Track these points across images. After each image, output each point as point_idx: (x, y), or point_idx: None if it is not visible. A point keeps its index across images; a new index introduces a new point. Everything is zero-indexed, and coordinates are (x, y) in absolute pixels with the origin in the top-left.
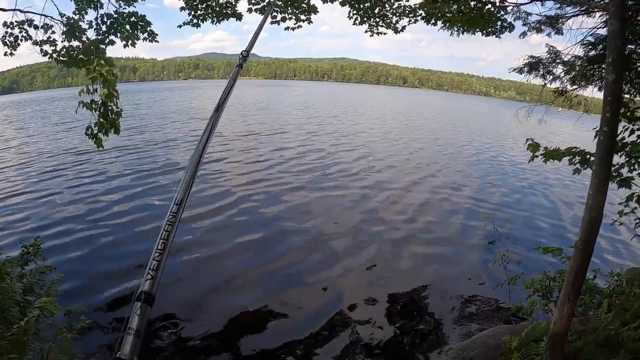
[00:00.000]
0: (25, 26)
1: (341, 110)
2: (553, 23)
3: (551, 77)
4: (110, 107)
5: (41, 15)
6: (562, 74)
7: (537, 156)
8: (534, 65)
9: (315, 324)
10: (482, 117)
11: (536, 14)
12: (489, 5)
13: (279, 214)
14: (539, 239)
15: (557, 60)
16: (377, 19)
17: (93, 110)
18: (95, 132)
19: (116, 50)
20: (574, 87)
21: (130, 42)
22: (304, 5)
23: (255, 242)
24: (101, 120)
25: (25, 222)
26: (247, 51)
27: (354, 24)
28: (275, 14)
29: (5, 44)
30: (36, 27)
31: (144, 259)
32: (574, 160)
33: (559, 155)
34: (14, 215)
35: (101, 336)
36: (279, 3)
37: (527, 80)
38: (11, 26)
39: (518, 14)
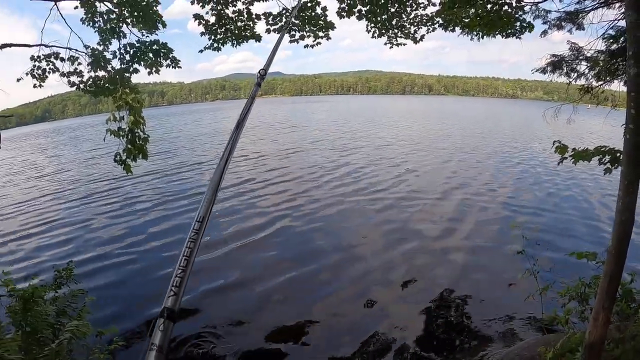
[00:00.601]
0: (52, 59)
1: (370, 123)
2: (573, 18)
3: (575, 74)
4: (137, 134)
5: (66, 48)
6: (587, 71)
7: (565, 158)
8: (556, 64)
9: (354, 338)
10: (510, 120)
11: (555, 11)
12: (506, 7)
13: (313, 231)
14: (574, 243)
15: (580, 57)
16: (396, 30)
17: (120, 138)
18: (123, 158)
19: (144, 76)
20: (600, 83)
21: (154, 69)
22: (321, 22)
23: (291, 259)
24: (129, 146)
25: (58, 248)
26: (265, 70)
27: (373, 37)
28: (293, 32)
29: (34, 76)
30: (62, 60)
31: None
32: (603, 159)
33: (588, 156)
34: (48, 242)
35: (130, 356)
36: (296, 22)
37: (551, 80)
38: (38, 60)
39: (537, 13)
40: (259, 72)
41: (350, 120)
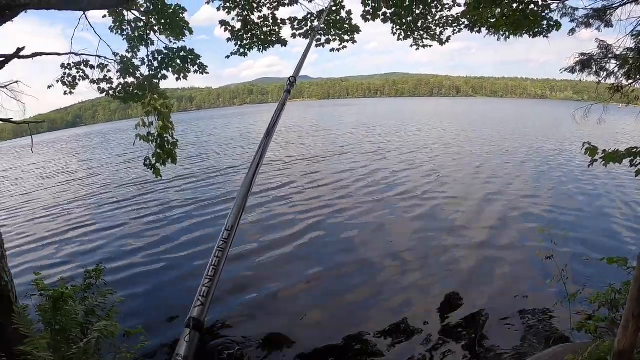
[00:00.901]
0: (82, 67)
1: (400, 127)
2: (601, 15)
3: (605, 73)
4: (166, 138)
5: (95, 56)
6: (616, 69)
7: (596, 160)
8: (585, 63)
9: (385, 343)
10: (540, 121)
11: (582, 8)
12: (532, 6)
13: (348, 240)
14: (605, 248)
15: (609, 55)
16: (421, 32)
17: (150, 142)
18: (153, 162)
19: (172, 81)
20: (630, 81)
21: (181, 75)
22: (347, 26)
23: (325, 270)
24: (158, 151)
25: (87, 254)
26: (294, 77)
27: (399, 39)
28: (319, 36)
29: (64, 84)
30: (92, 67)
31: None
32: (635, 161)
33: (619, 158)
34: (79, 247)
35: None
36: (322, 26)
37: (581, 79)
38: (68, 68)
39: (564, 11)
40: (289, 79)
41: (379, 124)
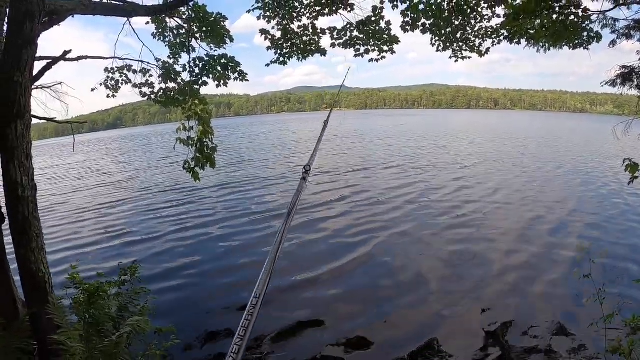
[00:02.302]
0: (125, 71)
1: (446, 140)
2: None
3: None
4: (205, 143)
5: (138, 61)
6: None
7: (637, 177)
8: (626, 76)
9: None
10: (581, 137)
11: (623, 19)
12: (573, 17)
13: (395, 262)
14: None
15: None
16: (460, 43)
17: (190, 147)
18: (192, 166)
19: (211, 87)
20: None
21: (222, 82)
22: (386, 37)
23: (372, 299)
24: (197, 155)
25: (120, 258)
26: (310, 165)
27: (437, 50)
28: (358, 47)
29: (107, 87)
30: (135, 72)
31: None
32: None
33: None
34: (116, 246)
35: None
36: (361, 36)
37: (622, 93)
38: (112, 72)
39: (604, 22)
40: (304, 167)
41: (421, 137)
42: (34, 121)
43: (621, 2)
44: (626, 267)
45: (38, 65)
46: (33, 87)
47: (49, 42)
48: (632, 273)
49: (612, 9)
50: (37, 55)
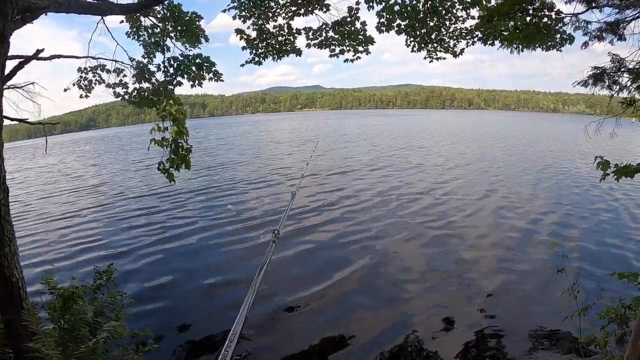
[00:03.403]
0: (98, 71)
1: (423, 140)
2: (614, 29)
3: (617, 87)
4: (180, 144)
5: (112, 60)
6: (629, 83)
7: (608, 174)
8: (598, 77)
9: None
10: (552, 136)
11: (595, 22)
12: (546, 19)
13: (396, 272)
14: (616, 263)
15: (622, 69)
16: (435, 44)
17: (164, 147)
18: (167, 167)
19: (186, 87)
20: None
21: (196, 82)
22: (361, 37)
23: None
24: (172, 156)
25: (102, 253)
26: (279, 230)
27: (412, 51)
28: (333, 47)
29: (80, 87)
30: (108, 72)
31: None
32: None
33: (631, 172)
34: (92, 248)
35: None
36: (337, 37)
37: (593, 93)
38: (85, 71)
39: (577, 24)
40: (274, 231)
41: (401, 137)
42: (6, 122)
43: (593, 4)
44: (597, 262)
45: (10, 65)
46: (4, 87)
47: (22, 40)
48: (603, 267)
49: (584, 12)
50: (9, 54)
